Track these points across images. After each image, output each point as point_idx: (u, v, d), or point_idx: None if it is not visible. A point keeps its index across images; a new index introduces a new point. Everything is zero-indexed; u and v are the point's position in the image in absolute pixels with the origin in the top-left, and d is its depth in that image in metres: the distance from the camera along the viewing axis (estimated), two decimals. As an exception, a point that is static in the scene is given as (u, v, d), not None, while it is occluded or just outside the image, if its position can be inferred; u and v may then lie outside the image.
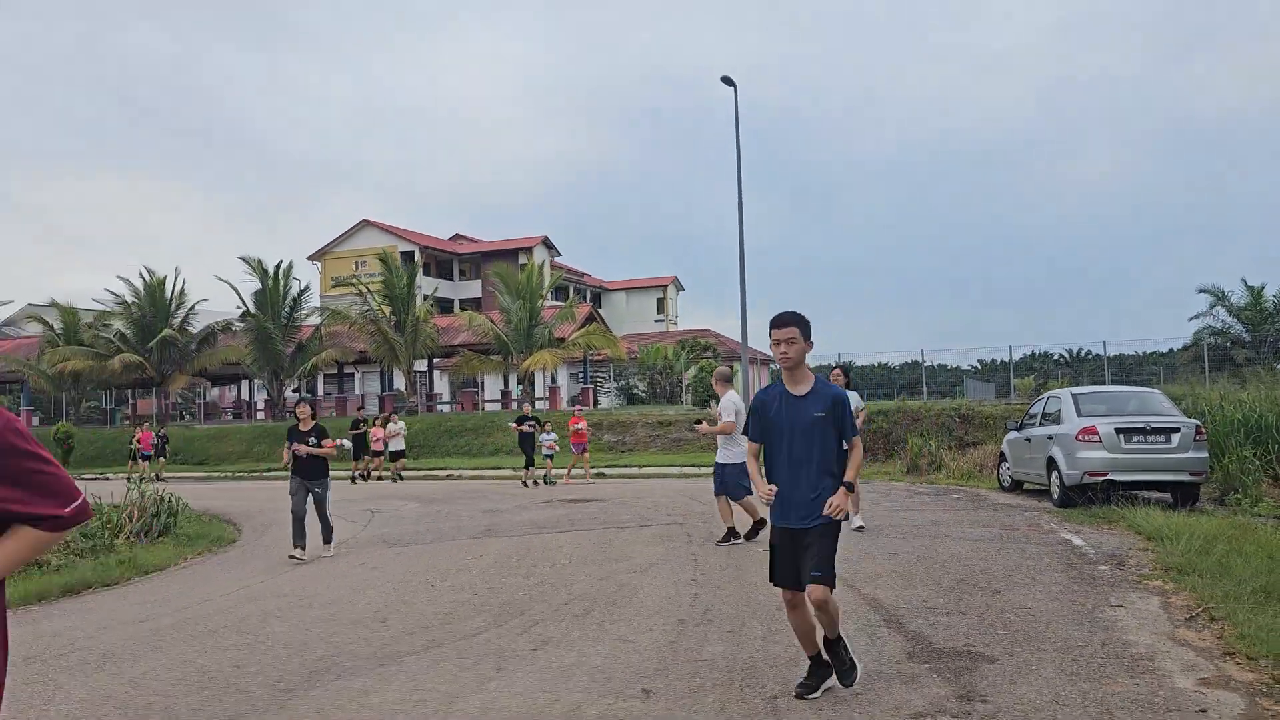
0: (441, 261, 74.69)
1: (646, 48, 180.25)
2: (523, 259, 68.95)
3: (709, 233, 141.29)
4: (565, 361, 38.63)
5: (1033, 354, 67.23)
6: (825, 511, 4.59)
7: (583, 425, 21.96)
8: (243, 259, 40.38)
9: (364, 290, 38.61)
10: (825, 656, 4.87)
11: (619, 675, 5.23)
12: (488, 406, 43.69)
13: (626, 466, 25.21)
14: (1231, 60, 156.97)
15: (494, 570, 8.95)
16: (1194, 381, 27.76)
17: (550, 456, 21.18)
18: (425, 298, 40.59)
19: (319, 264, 67.88)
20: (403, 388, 42.58)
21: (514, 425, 21.48)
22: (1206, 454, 13.01)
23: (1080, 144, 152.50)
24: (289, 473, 11.00)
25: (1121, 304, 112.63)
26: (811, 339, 4.81)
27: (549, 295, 40.09)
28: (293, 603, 7.82)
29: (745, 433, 5.14)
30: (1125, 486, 12.51)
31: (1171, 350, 45.87)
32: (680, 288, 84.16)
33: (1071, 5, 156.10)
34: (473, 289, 72.48)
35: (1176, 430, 12.53)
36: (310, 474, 10.69)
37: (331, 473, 11.19)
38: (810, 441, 4.70)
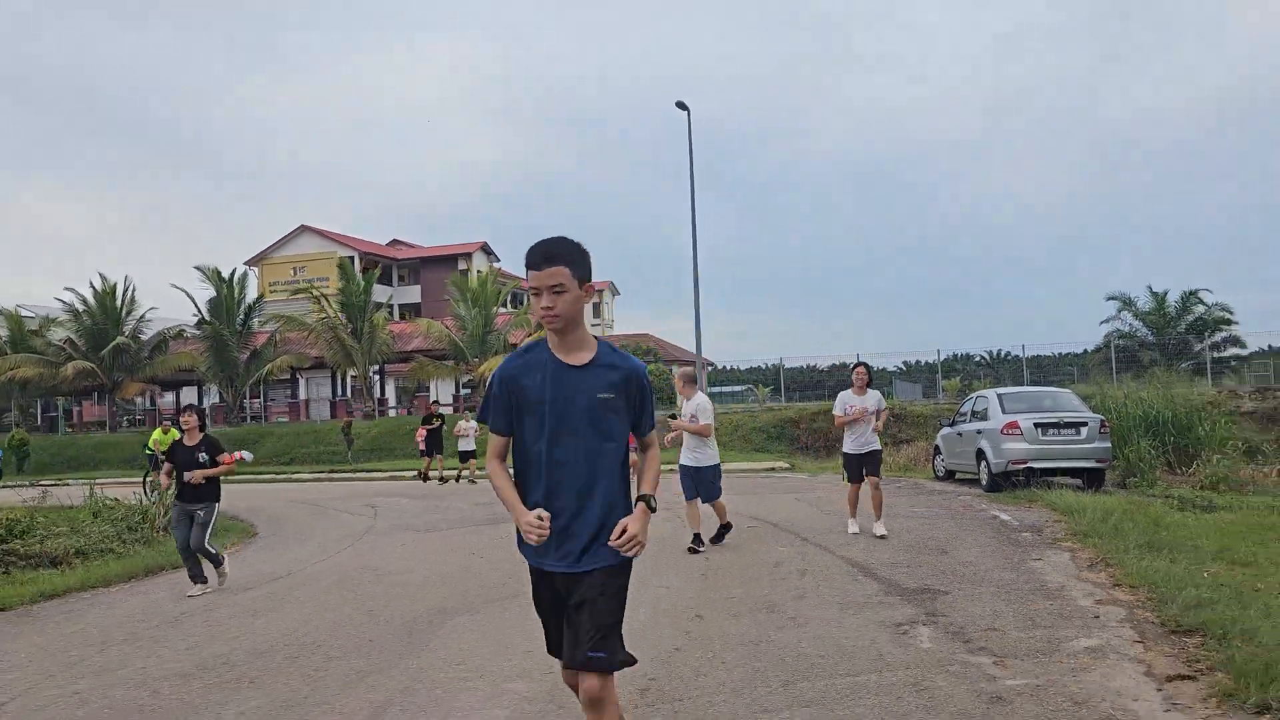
0: (381, 267, 75.56)
1: (579, 54, 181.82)
2: (462, 265, 70.05)
3: (644, 237, 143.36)
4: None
5: (955, 355, 70.36)
6: (614, 542, 3.05)
7: None
8: (197, 268, 41.11)
9: (320, 297, 39.57)
10: None
11: (672, 608, 6.92)
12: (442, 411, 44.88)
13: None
14: (1147, 73, 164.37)
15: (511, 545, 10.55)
16: (1103, 381, 30.41)
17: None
18: (380, 305, 41.62)
19: (256, 269, 67.99)
20: (356, 393, 43.62)
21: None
22: (1110, 444, 15.18)
23: (1003, 154, 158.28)
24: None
25: (1039, 308, 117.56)
26: (592, 282, 3.20)
27: (507, 303, 41.48)
28: (365, 573, 9.33)
29: (481, 419, 3.34)
30: (1043, 473, 14.59)
31: (1085, 351, 49.11)
32: (616, 291, 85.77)
33: (1002, 19, 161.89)
34: (412, 294, 73.17)
35: (1085, 424, 14.65)
36: (195, 496, 8.66)
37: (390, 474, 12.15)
38: (591, 435, 3.14)
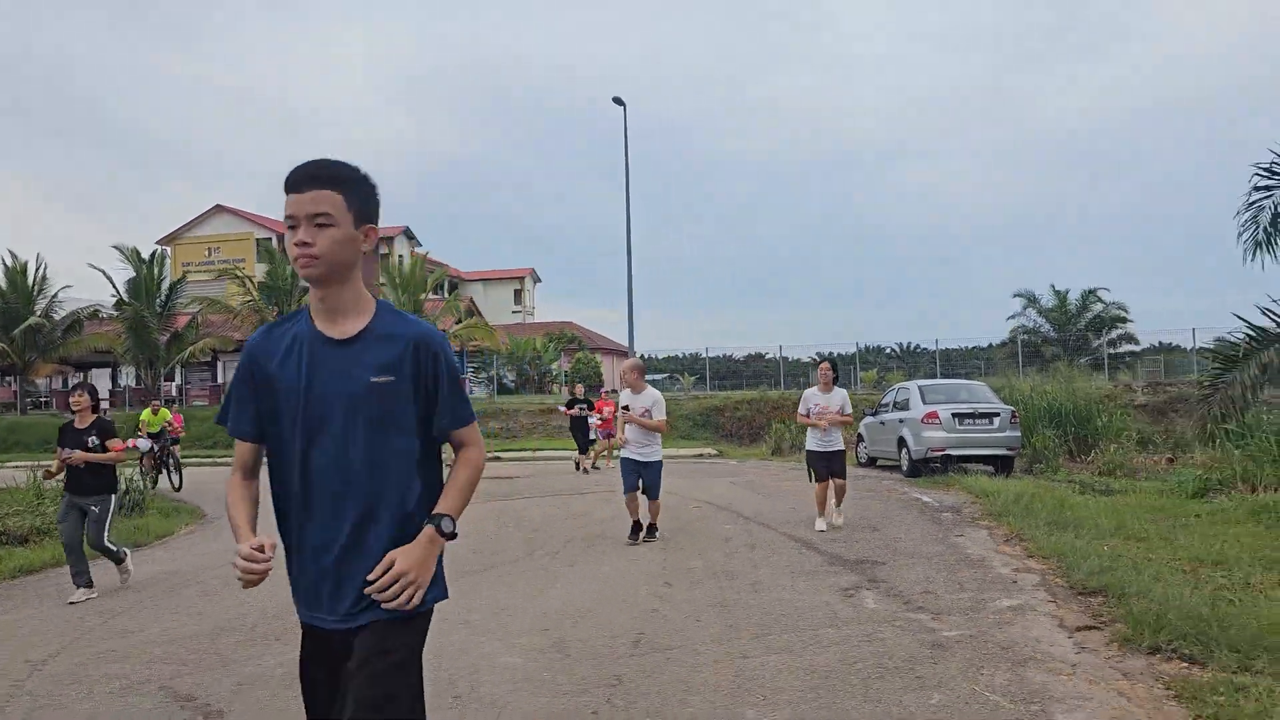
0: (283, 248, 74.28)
1: (499, 41, 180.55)
2: (383, 249, 69.34)
3: (567, 224, 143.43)
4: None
5: (868, 348, 72.62)
6: (373, 587, 2.27)
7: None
8: (116, 247, 40.17)
9: (245, 279, 39.16)
10: None
11: (642, 577, 7.64)
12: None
13: (520, 451, 27.36)
14: (1064, 78, 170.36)
15: (487, 525, 11.15)
16: (1010, 374, 32.14)
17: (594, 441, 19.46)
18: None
19: (168, 249, 66.31)
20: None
21: (564, 409, 19.51)
22: (1019, 433, 16.41)
23: (916, 153, 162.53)
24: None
25: (950, 303, 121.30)
26: (377, 225, 2.42)
27: (433, 291, 41.60)
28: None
29: (219, 419, 2.54)
30: (959, 459, 15.72)
31: (990, 345, 51.37)
32: (537, 279, 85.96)
33: (918, 19, 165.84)
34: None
35: (997, 414, 15.82)
36: (86, 488, 7.76)
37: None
38: (364, 436, 2.33)
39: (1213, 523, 9.54)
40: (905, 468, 16.23)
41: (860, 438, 19.44)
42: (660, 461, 9.56)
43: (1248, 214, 14.96)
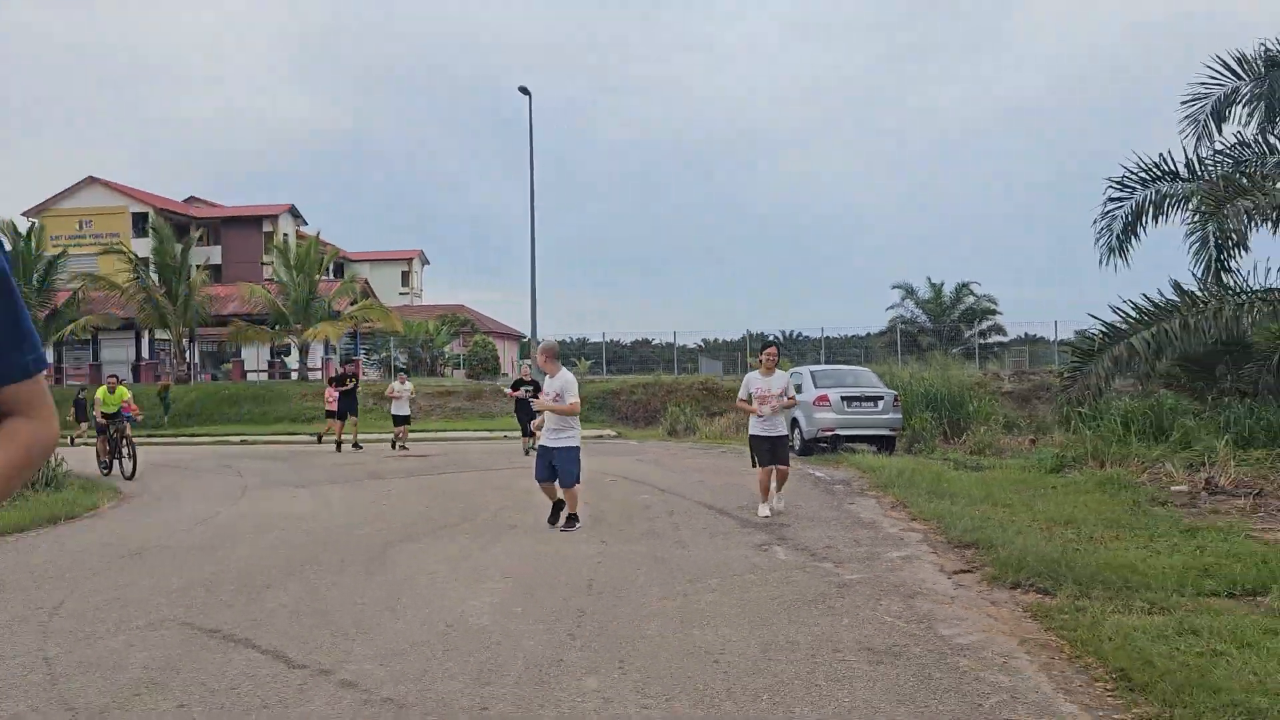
0: (177, 225, 71.80)
1: (395, 17, 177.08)
2: (267, 226, 68.00)
3: (456, 206, 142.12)
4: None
5: (753, 334, 75.01)
6: None
7: None
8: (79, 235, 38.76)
9: (132, 256, 38.20)
10: None
11: (580, 536, 8.53)
12: (250, 376, 44.15)
13: (424, 432, 27.78)
14: (945, 70, 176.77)
15: (421, 496, 11.83)
16: (890, 362, 34.11)
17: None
18: (198, 267, 40.55)
19: (36, 221, 63.40)
20: (165, 356, 42.37)
21: (510, 391, 18.94)
22: (901, 415, 17.90)
23: (795, 139, 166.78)
24: None
25: (830, 291, 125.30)
26: None
27: (329, 272, 41.34)
28: (282, 519, 10.38)
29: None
30: (846, 439, 17.08)
31: (869, 334, 53.94)
32: (425, 261, 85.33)
33: (798, 10, 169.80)
34: (213, 254, 70.34)
35: (882, 398, 17.25)
36: None
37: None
38: None
39: (1066, 492, 10.97)
40: (798, 446, 17.50)
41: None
42: (573, 447, 8.96)
43: (1103, 222, 16.74)
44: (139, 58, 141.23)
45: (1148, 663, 4.41)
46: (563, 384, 9.04)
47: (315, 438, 24.61)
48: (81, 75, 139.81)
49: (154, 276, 38.14)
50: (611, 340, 59.40)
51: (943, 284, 49.15)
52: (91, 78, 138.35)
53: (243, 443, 26.83)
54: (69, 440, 26.50)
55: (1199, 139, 16.58)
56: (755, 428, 10.05)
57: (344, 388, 21.05)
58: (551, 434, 9.01)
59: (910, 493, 10.95)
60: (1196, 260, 15.03)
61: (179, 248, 38.36)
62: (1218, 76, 16.15)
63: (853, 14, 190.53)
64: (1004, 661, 4.67)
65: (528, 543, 8.18)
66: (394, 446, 20.55)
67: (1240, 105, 16.09)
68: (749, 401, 10.07)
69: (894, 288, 50.03)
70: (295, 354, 42.68)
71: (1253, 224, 13.82)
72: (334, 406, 21.69)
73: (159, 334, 41.36)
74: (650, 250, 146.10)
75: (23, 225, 63.81)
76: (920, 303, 49.96)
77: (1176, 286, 15.56)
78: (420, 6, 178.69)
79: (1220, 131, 16.47)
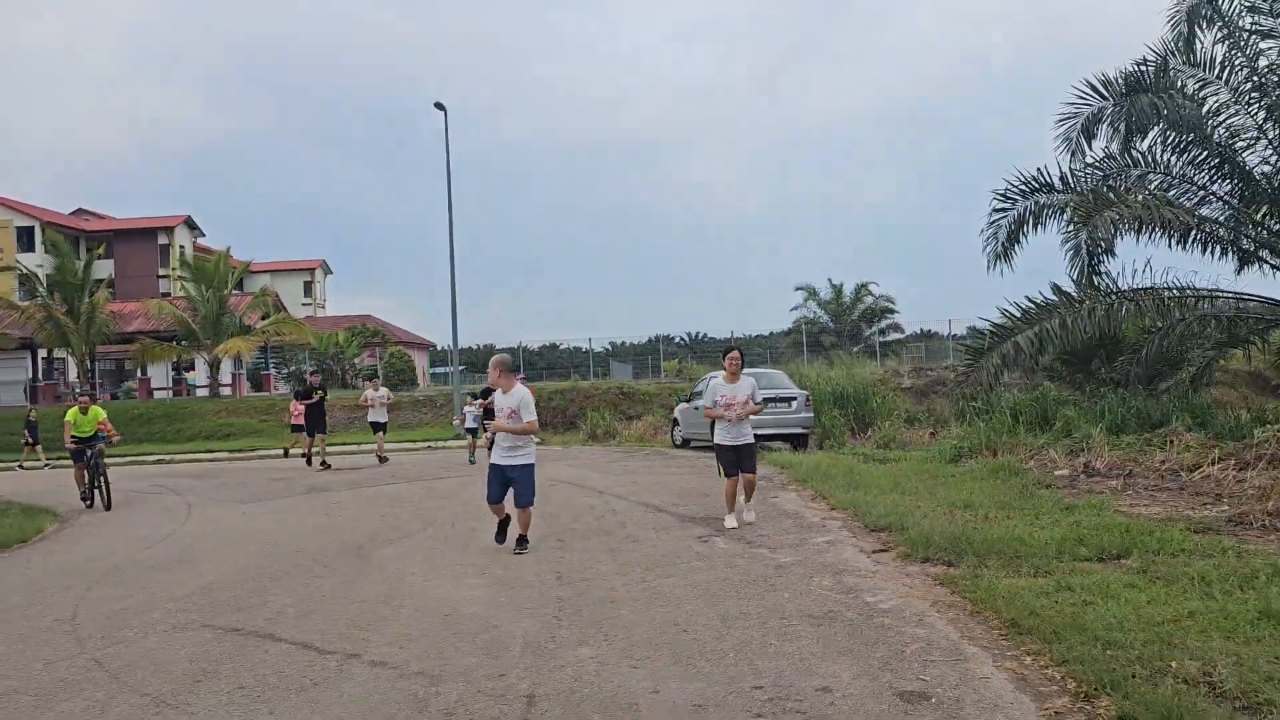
0: (67, 239, 69.67)
1: (296, 19, 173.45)
2: (163, 239, 66.56)
3: (359, 214, 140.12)
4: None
5: (658, 337, 76.36)
6: None
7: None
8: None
9: (31, 274, 37.27)
10: None
11: (536, 538, 9.34)
12: (157, 394, 43.35)
13: (345, 445, 27.99)
14: (822, 75, 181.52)
15: (373, 507, 12.43)
16: (797, 362, 35.62)
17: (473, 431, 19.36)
18: (100, 281, 39.70)
19: None
20: (52, 375, 41.37)
21: (481, 402, 17.36)
22: (813, 414, 19.13)
23: (689, 142, 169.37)
24: None
25: (736, 293, 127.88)
26: None
27: (238, 286, 40.91)
28: (245, 533, 10.90)
29: None
30: (762, 439, 18.19)
31: (772, 333, 55.71)
32: (329, 270, 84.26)
33: (687, 11, 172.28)
34: (103, 269, 68.33)
35: (794, 398, 18.44)
36: None
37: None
38: None
39: (964, 480, 12.23)
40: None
41: (675, 422, 21.75)
42: (531, 465, 8.59)
43: (989, 231, 18.20)
44: (14, 58, 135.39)
45: (1033, 613, 5.49)
46: (519, 400, 8.38)
47: (283, 452, 24.67)
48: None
49: (44, 293, 37.20)
50: (520, 345, 59.94)
51: (842, 285, 51.17)
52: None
53: (159, 462, 26.65)
54: (18, 465, 25.98)
55: (1072, 154, 18.17)
56: (721, 437, 9.60)
57: (309, 401, 19.80)
58: (506, 452, 8.42)
59: (827, 485, 12.07)
60: (1072, 265, 16.51)
61: (79, 264, 37.56)
62: (1086, 97, 17.73)
63: (743, 17, 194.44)
64: (919, 619, 5.70)
65: (491, 545, 8.94)
66: (381, 461, 19.69)
67: (1105, 124, 17.74)
68: (714, 408, 9.67)
69: (797, 289, 51.87)
70: (201, 370, 42.16)
71: (1118, 232, 15.35)
72: (300, 421, 20.94)
73: (60, 353, 40.32)
74: (546, 255, 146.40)
75: None
76: (822, 303, 51.86)
77: (1056, 289, 17.08)
78: (306, 5, 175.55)
79: (1090, 147, 18.07)
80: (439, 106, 27.84)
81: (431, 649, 5.44)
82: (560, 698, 4.49)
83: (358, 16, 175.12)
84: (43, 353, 42.40)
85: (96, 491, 14.32)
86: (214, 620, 6.40)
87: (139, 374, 42.66)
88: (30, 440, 26.21)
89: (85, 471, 14.34)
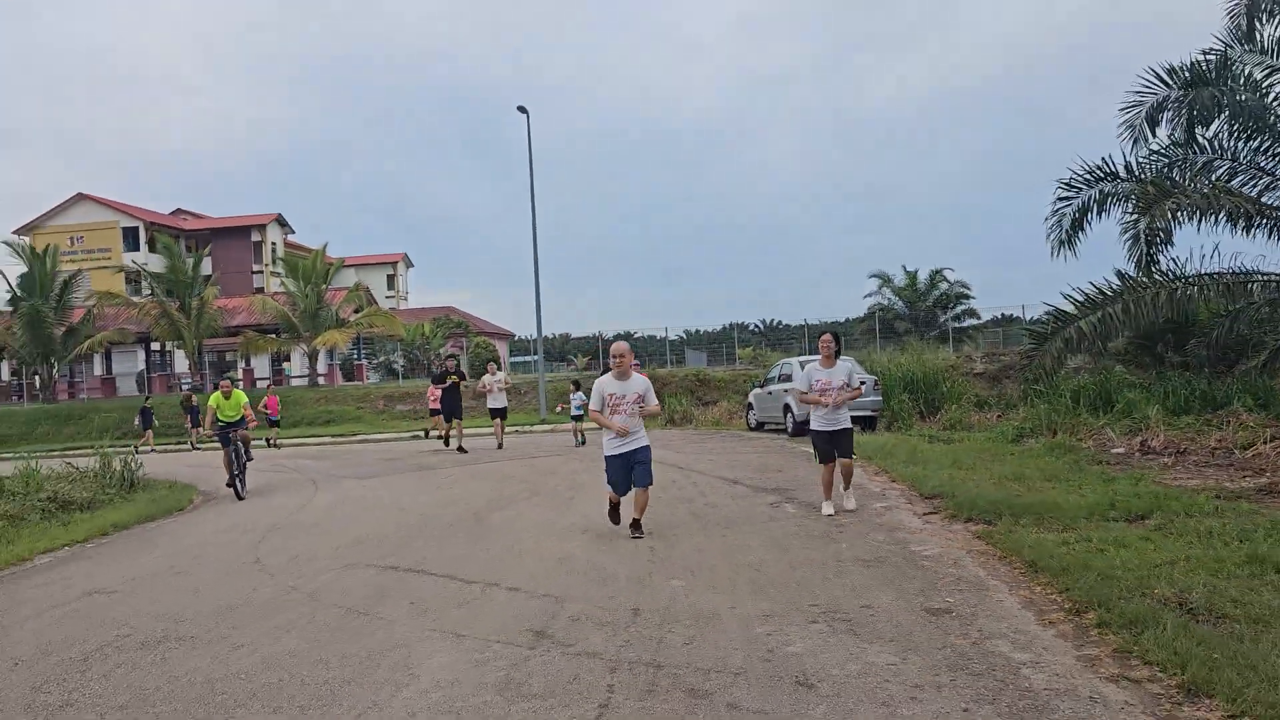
0: (174, 239, 73.21)
1: (379, 21, 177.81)
2: (255, 236, 69.50)
3: (440, 210, 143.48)
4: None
5: (733, 324, 77.23)
6: None
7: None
8: (6, 243, 40.35)
9: (144, 272, 39.94)
10: None
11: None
12: (259, 384, 45.94)
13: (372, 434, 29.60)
14: (888, 62, 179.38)
15: (482, 482, 13.85)
16: (870, 349, 36.35)
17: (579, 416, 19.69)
18: (207, 278, 42.30)
19: (27, 238, 64.55)
20: (187, 367, 44.20)
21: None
22: (881, 398, 20.08)
23: (755, 129, 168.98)
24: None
25: (806, 279, 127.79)
26: None
27: (333, 278, 43.16)
28: (377, 503, 12.41)
29: None
30: (833, 421, 19.24)
31: (849, 320, 56.18)
32: (410, 264, 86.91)
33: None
34: (203, 265, 71.81)
35: (864, 383, 19.41)
36: None
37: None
38: None
39: (1021, 457, 13.15)
40: (789, 429, 19.68)
41: (750, 406, 22.88)
42: (649, 445, 8.60)
43: (1053, 219, 18.91)
44: (107, 65, 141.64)
45: (1050, 557, 6.55)
46: (645, 386, 8.40)
47: (423, 433, 26.45)
48: (52, 92, 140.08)
49: (160, 291, 39.79)
50: (594, 335, 61.57)
51: (917, 271, 51.36)
52: (65, 95, 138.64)
53: (269, 445, 28.70)
54: (189, 445, 28.45)
55: (1135, 141, 18.73)
56: (816, 422, 9.37)
57: (444, 385, 20.05)
58: (628, 440, 8.32)
59: (890, 461, 13.13)
60: (1131, 253, 17.13)
61: (189, 263, 40.12)
62: (1151, 85, 18.29)
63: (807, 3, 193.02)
64: (954, 562, 6.81)
65: (591, 509, 10.25)
66: (500, 446, 19.87)
67: (1169, 112, 18.25)
68: (809, 393, 9.37)
69: (871, 276, 52.16)
70: (298, 361, 44.56)
71: (1177, 220, 15.97)
72: (437, 405, 21.13)
73: (171, 345, 43.04)
74: (621, 243, 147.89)
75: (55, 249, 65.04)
76: (897, 290, 52.11)
77: (1121, 275, 17.74)
78: (377, 7, 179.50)
79: (1154, 134, 18.58)
80: (522, 110, 29.27)
81: (553, 581, 6.74)
82: (658, 611, 5.74)
83: (430, 12, 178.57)
84: (154, 346, 45.30)
85: (238, 479, 14.48)
86: (373, 562, 7.81)
87: (243, 364, 45.23)
88: (193, 423, 28.42)
89: (233, 455, 14.58)
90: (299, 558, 8.31)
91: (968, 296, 51.21)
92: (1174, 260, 17.93)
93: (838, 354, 9.59)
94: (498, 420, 20.09)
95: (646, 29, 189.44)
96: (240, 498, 14.07)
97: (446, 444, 20.35)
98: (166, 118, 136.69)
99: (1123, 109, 18.74)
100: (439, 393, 20.61)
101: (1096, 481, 10.20)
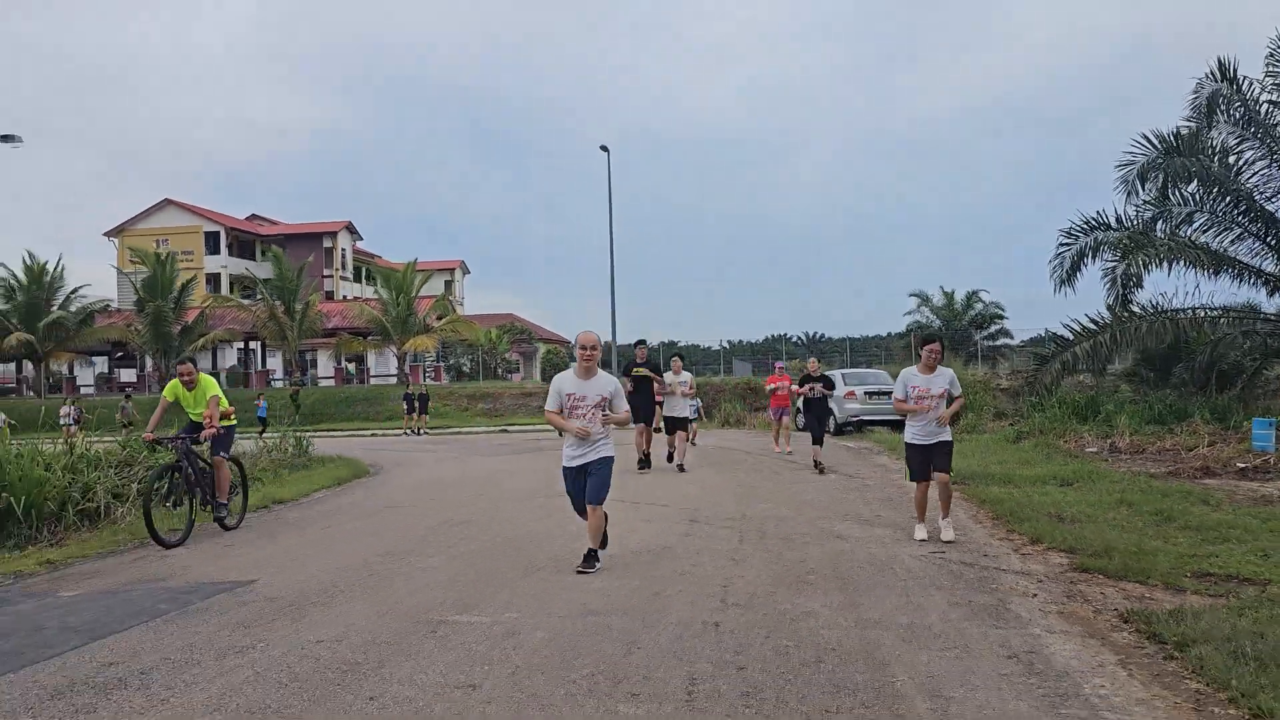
0: (244, 242, 77.86)
1: (426, 33, 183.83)
2: (327, 242, 74.28)
3: (492, 219, 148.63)
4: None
5: (775, 336, 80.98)
6: None
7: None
8: (131, 249, 45.41)
9: (255, 278, 44.86)
10: None
11: (728, 481, 14.70)
12: (323, 383, 50.74)
13: (509, 425, 33.96)
14: (925, 74, 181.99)
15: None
16: (905, 364, 40.12)
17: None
18: (310, 285, 47.03)
19: (115, 240, 69.22)
20: (285, 364, 49.21)
21: (796, 389, 16.88)
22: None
23: (803, 145, 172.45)
24: None
25: (852, 295, 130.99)
26: None
27: (422, 288, 47.81)
28: (510, 471, 16.57)
29: None
30: (868, 423, 23.24)
31: (889, 335, 59.81)
32: (467, 270, 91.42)
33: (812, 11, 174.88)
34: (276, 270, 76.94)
35: (892, 391, 23.46)
36: None
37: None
38: None
39: (1011, 450, 17.06)
40: (832, 429, 23.75)
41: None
42: (611, 455, 7.69)
43: (1055, 261, 22.73)
44: (144, 67, 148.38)
45: (999, 501, 10.54)
46: (614, 388, 7.54)
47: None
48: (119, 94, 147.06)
49: (268, 295, 44.63)
50: (639, 341, 65.70)
51: (954, 292, 54.87)
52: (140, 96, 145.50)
53: (372, 435, 33.17)
54: (416, 432, 32.60)
55: (1128, 195, 22.43)
56: (911, 434, 8.77)
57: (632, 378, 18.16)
58: (587, 448, 7.38)
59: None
60: (1109, 294, 20.86)
61: (295, 270, 44.95)
62: (1143, 147, 22.00)
63: (855, 15, 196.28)
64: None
65: (693, 475, 14.39)
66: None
67: (1155, 172, 21.97)
68: (906, 401, 8.81)
69: (910, 295, 55.71)
70: (389, 361, 49.19)
71: (1146, 269, 19.74)
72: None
73: (273, 345, 47.87)
74: (662, 253, 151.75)
75: (106, 245, 69.73)
76: (934, 309, 55.66)
77: (1111, 309, 21.52)
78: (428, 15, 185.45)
79: (1144, 190, 22.32)
80: (603, 149, 33.54)
81: (685, 504, 10.90)
82: (756, 519, 9.87)
83: (485, 18, 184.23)
84: (241, 345, 50.19)
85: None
86: (539, 497, 11.98)
87: (334, 363, 49.94)
88: (410, 410, 32.90)
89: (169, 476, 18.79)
90: (480, 495, 12.56)
91: (1001, 317, 54.59)
92: (1162, 296, 21.43)
93: (940, 359, 8.93)
94: (678, 431, 15.72)
95: (692, 40, 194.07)
96: (170, 546, 9.05)
97: (643, 464, 15.39)
98: (215, 118, 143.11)
99: (1118, 166, 22.44)
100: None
101: (1052, 464, 14.15)
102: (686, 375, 16.07)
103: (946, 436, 8.63)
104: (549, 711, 4.18)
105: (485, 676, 4.67)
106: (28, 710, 4.35)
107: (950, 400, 8.78)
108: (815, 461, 14.97)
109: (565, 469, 7.53)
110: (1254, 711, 3.94)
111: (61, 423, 23.69)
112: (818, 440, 15.20)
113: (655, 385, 15.50)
